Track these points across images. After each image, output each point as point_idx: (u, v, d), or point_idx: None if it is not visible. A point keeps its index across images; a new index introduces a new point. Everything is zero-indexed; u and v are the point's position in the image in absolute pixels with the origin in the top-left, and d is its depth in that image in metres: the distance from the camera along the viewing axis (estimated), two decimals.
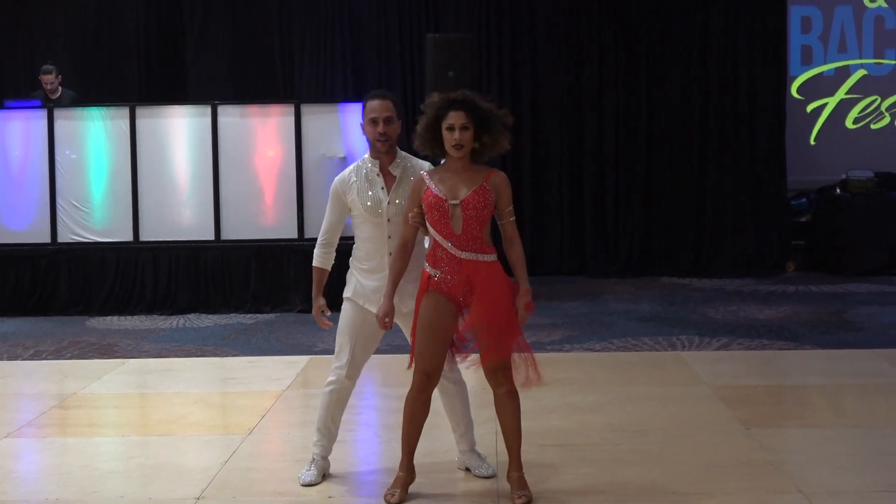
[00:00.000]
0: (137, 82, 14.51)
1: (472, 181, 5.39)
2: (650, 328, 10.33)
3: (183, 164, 11.96)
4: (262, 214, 11.94)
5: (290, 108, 11.93)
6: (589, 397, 7.60)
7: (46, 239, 11.81)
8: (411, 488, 5.57)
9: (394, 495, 5.51)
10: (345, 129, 11.85)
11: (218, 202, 11.84)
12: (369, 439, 6.89)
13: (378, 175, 5.75)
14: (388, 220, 5.70)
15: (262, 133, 11.99)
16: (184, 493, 5.65)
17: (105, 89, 14.13)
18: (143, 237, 11.86)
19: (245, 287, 11.83)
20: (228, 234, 11.89)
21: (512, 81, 14.31)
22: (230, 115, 11.95)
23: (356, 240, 5.87)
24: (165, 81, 14.60)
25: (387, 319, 5.50)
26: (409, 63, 14.37)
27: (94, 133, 11.96)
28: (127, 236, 11.85)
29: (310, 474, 5.87)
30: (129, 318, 11.52)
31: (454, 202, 5.35)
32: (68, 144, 11.98)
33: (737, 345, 9.51)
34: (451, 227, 5.36)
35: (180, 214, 11.94)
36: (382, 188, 5.72)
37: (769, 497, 5.53)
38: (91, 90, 13.85)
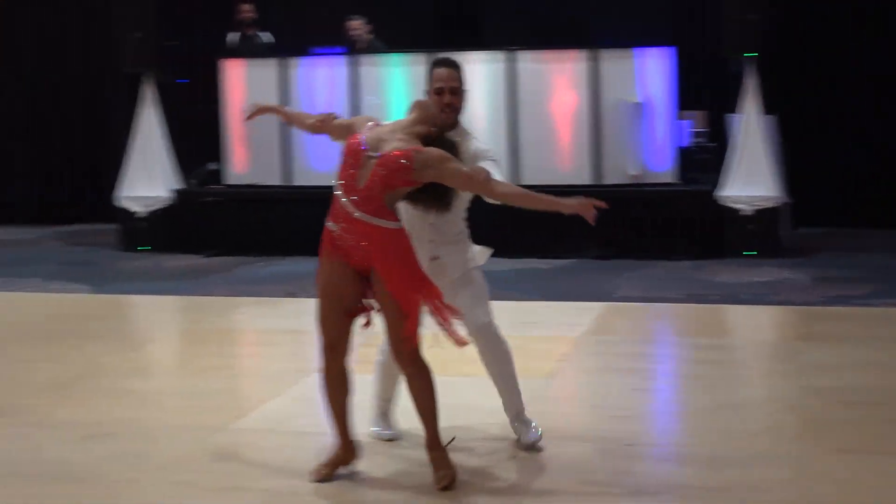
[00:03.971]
0: (433, 29, 14.74)
1: None
2: None
3: (480, 110, 12.10)
4: (559, 159, 11.97)
5: (587, 54, 11.88)
6: None
7: None
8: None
9: (319, 472, 5.11)
10: (640, 74, 11.73)
11: (515, 147, 11.95)
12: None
13: None
14: None
15: (559, 79, 12.00)
16: (486, 433, 5.73)
17: (404, 37, 14.39)
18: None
19: (541, 232, 11.89)
20: (525, 179, 11.95)
21: None
22: (526, 62, 12.00)
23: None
24: (462, 28, 14.77)
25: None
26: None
27: (395, 79, 12.26)
28: None
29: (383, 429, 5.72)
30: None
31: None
32: (370, 90, 12.34)
33: None
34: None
35: None
36: None
37: None
38: (391, 37, 14.12)
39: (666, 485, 5.03)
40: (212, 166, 13.05)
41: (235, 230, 12.41)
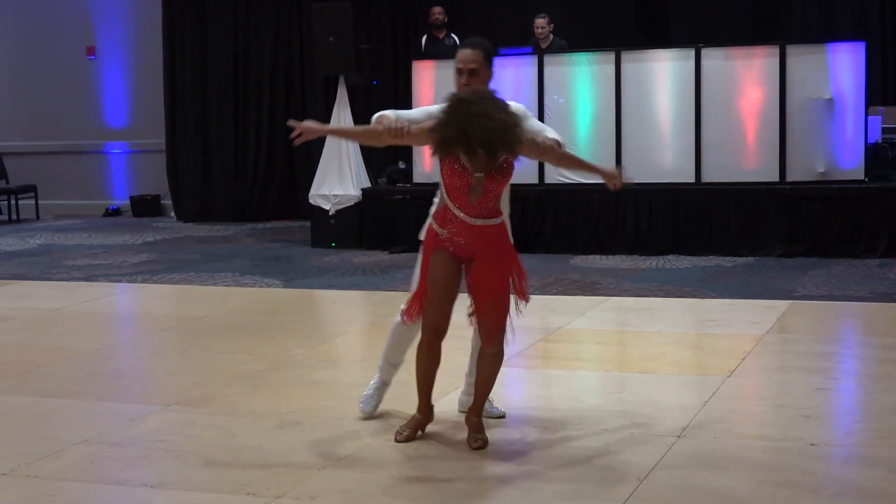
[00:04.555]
0: (622, 27, 14.74)
1: None
2: None
3: (665, 108, 12.08)
4: (743, 157, 11.86)
5: (776, 50, 11.72)
6: None
7: (534, 180, 12.32)
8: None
9: (402, 434, 5.66)
10: (833, 69, 11.52)
11: (699, 145, 11.87)
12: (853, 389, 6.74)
13: None
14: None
15: (746, 75, 11.88)
16: (664, 429, 5.74)
17: (593, 35, 14.42)
18: (626, 179, 12.08)
19: (724, 230, 11.81)
20: (709, 176, 11.91)
21: None
22: (714, 58, 11.92)
23: (441, 188, 5.63)
24: (649, 25, 14.74)
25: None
26: None
27: (581, 78, 12.31)
28: None
29: (368, 405, 6.04)
30: (610, 257, 11.82)
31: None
32: (556, 89, 12.42)
33: None
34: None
35: (661, 157, 12.09)
36: None
37: None
38: (580, 36, 14.17)
39: (848, 487, 4.97)
40: (402, 165, 13.35)
41: (420, 227, 12.62)
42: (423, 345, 5.60)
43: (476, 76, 5.46)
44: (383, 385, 6.14)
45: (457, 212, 5.39)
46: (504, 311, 5.47)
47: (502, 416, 5.98)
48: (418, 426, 5.71)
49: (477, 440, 5.52)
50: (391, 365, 6.10)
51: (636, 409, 6.20)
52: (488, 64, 5.53)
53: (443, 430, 5.85)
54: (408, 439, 5.65)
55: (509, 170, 5.39)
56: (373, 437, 5.76)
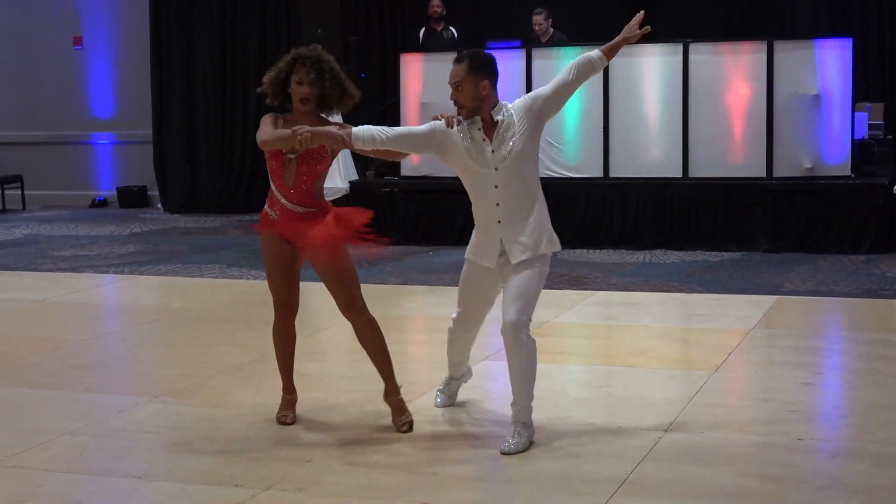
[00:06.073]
0: (610, 21, 14.73)
1: None
2: None
3: (653, 102, 12.09)
4: (730, 152, 11.87)
5: (763, 46, 11.74)
6: None
7: None
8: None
9: (287, 417, 5.89)
10: (820, 65, 11.54)
11: (686, 140, 11.88)
12: (839, 384, 6.77)
13: (479, 129, 5.57)
14: (496, 170, 5.57)
15: (733, 70, 11.89)
16: (651, 423, 5.76)
17: (581, 30, 14.42)
18: (613, 174, 12.12)
19: (711, 225, 11.82)
20: (696, 171, 11.93)
21: None
22: (701, 53, 11.93)
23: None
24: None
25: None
26: None
27: None
28: (597, 172, 12.15)
29: (441, 397, 6.17)
30: (597, 251, 11.83)
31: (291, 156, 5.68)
32: (544, 83, 12.26)
33: None
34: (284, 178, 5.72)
35: (649, 152, 12.10)
36: (484, 139, 5.55)
37: None
38: (568, 31, 14.18)
39: (833, 481, 5.00)
40: None
41: (407, 220, 12.65)
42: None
43: (459, 90, 5.53)
44: (450, 380, 6.23)
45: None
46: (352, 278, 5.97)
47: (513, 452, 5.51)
48: (291, 405, 5.97)
49: (404, 423, 5.73)
50: (450, 366, 6.18)
51: (623, 403, 6.23)
52: (476, 73, 5.53)
53: (427, 423, 5.87)
54: (294, 421, 5.88)
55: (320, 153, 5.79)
56: (359, 428, 5.77)
